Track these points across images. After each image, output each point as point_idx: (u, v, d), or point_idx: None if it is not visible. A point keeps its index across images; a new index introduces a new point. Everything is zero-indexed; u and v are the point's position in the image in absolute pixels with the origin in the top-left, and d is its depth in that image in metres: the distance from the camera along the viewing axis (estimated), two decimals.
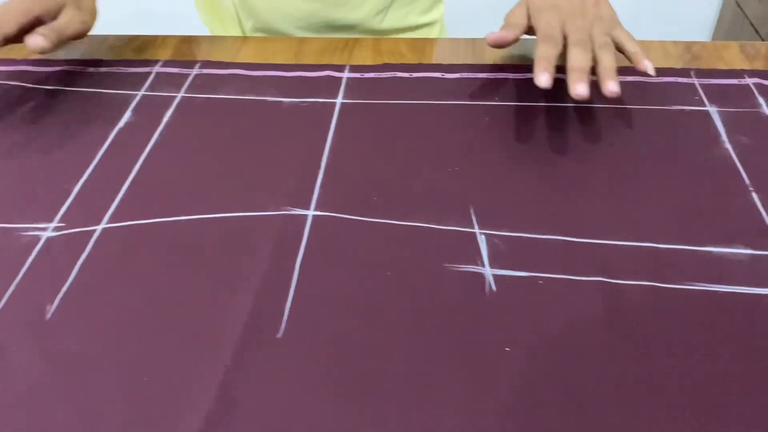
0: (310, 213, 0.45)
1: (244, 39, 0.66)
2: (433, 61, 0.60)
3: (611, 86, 0.48)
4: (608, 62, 0.50)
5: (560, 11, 0.53)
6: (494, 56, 0.61)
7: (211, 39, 0.66)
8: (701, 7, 1.74)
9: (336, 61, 0.61)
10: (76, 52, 0.64)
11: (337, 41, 0.64)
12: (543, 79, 0.48)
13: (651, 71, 0.51)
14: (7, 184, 0.49)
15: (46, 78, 0.60)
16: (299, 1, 0.72)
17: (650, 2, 1.67)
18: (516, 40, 0.54)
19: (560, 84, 0.49)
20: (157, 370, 0.36)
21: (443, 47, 0.63)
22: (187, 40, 0.65)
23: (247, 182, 0.48)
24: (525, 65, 0.59)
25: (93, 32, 0.63)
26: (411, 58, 0.61)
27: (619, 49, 0.53)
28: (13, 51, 0.65)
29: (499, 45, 0.54)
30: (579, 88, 0.48)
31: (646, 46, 0.57)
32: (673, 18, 1.71)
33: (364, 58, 0.61)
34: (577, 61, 0.49)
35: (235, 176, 0.48)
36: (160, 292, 0.40)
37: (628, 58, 0.52)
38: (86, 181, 0.49)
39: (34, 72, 0.61)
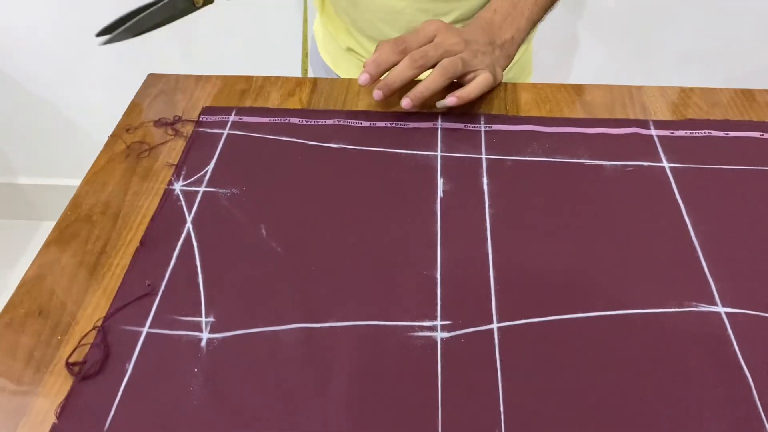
0: (721, 310, 0.41)
1: (514, 86, 0.61)
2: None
3: (403, 101, 0.55)
4: (424, 84, 0.54)
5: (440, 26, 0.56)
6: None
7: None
8: None
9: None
10: (336, 101, 0.59)
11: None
12: (361, 78, 0.55)
13: (440, 105, 0.56)
14: (363, 263, 0.44)
15: (322, 133, 0.55)
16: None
17: None
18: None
19: None
20: None
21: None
22: None
23: (626, 270, 0.44)
24: None
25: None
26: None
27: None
28: (260, 99, 0.60)
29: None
30: (362, 78, 0.55)
31: None
32: None
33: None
34: (390, 73, 0.55)
35: (609, 265, 0.44)
36: (602, 398, 0.37)
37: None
38: (444, 266, 0.44)
39: (304, 126, 0.56)
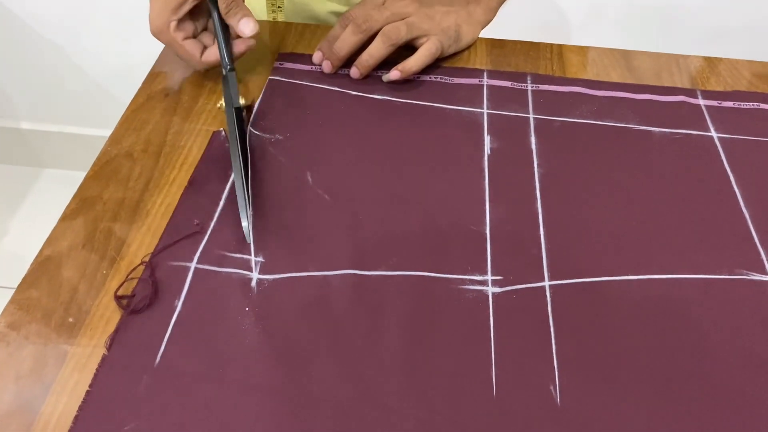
0: None
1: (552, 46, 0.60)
2: None
3: (351, 71, 0.54)
4: (368, 51, 0.53)
5: None
6: None
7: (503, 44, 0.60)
8: None
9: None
10: None
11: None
12: (315, 57, 0.55)
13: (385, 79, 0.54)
14: (410, 214, 0.44)
15: (364, 84, 0.54)
16: None
17: None
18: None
19: None
20: None
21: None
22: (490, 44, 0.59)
23: (676, 236, 0.44)
24: None
25: None
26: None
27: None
28: (300, 45, 0.59)
29: None
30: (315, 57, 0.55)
31: None
32: None
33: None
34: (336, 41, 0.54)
35: (658, 230, 0.44)
36: (654, 359, 0.37)
37: None
38: (493, 222, 0.44)
39: (346, 75, 0.55)
